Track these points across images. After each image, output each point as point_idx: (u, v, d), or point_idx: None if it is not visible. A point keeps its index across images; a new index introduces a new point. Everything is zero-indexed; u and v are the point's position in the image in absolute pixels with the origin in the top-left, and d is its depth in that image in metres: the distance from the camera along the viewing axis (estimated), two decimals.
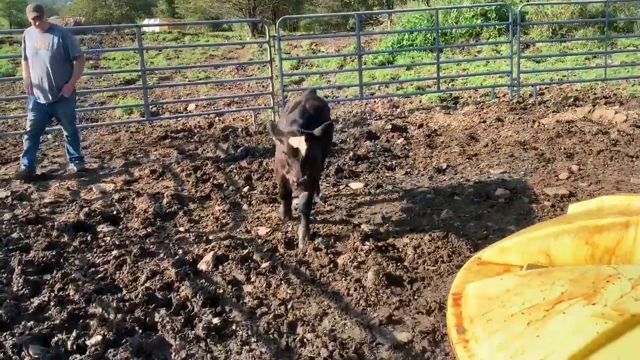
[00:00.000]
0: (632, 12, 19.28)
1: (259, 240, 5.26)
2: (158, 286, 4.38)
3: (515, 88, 11.93)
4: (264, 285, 4.39)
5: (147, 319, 3.96)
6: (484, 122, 9.85)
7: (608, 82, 12.81)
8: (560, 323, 1.79)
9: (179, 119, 11.26)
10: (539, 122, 9.51)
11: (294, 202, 5.73)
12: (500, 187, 6.35)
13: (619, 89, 12.33)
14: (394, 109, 11.56)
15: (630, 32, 18.41)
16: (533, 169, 7.10)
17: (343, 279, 4.44)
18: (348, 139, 8.92)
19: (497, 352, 1.81)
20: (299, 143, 4.50)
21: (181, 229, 5.70)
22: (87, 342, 3.67)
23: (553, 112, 10.28)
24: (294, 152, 4.51)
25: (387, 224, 5.53)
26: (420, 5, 21.92)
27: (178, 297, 4.23)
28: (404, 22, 20.20)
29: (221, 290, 4.35)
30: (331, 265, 4.68)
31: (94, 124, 10.90)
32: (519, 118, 9.90)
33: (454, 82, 13.97)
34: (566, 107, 10.56)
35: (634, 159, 7.24)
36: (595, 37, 16.63)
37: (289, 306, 4.08)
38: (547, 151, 7.79)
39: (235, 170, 7.55)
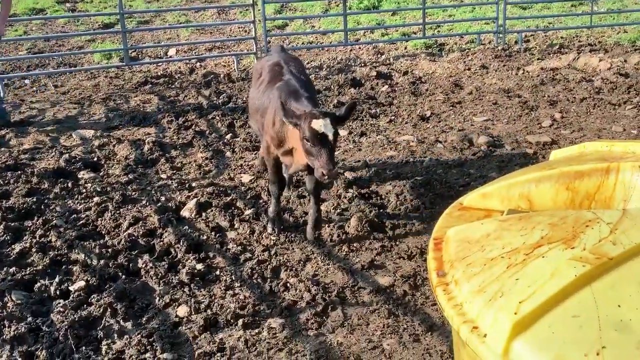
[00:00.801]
0: None
1: (243, 188, 5.26)
2: (141, 232, 4.38)
3: (500, 35, 11.80)
4: (248, 232, 4.41)
5: (131, 264, 3.98)
6: (469, 69, 9.78)
7: (593, 29, 12.72)
8: (539, 266, 1.81)
9: (160, 64, 11.01)
10: (523, 70, 9.47)
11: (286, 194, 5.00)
12: (484, 134, 6.36)
13: (604, 36, 12.26)
14: (379, 55, 11.41)
15: None
16: (516, 117, 7.10)
17: (326, 225, 4.47)
18: (332, 86, 8.82)
19: (476, 295, 1.83)
20: (326, 127, 3.66)
21: (163, 176, 5.66)
22: (71, 288, 3.70)
23: (538, 59, 10.23)
24: (320, 138, 3.66)
25: (370, 172, 5.54)
26: None
27: (161, 243, 4.24)
28: None
29: (205, 237, 4.37)
30: None
31: (72, 69, 10.63)
32: (504, 65, 9.84)
33: (440, 29, 13.77)
34: (551, 55, 10.50)
35: (616, 107, 7.28)
36: None
37: (273, 252, 4.12)
38: (531, 99, 7.79)
39: (217, 117, 7.46)
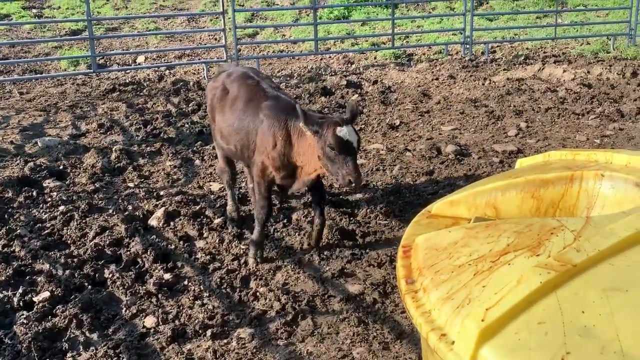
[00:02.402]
0: None
1: (212, 196, 5.22)
2: (107, 242, 4.31)
3: (467, 46, 12.00)
4: (217, 241, 4.37)
5: (97, 275, 3.91)
6: (437, 79, 9.91)
7: (558, 40, 13.04)
8: (505, 274, 1.84)
9: (128, 71, 10.89)
10: (490, 80, 9.64)
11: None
12: (451, 143, 6.44)
13: (567, 47, 12.57)
14: (349, 64, 11.49)
15: None
16: (483, 126, 7.21)
17: (297, 233, 4.46)
18: (303, 95, 8.83)
19: (444, 302, 1.85)
20: (350, 134, 3.55)
21: (130, 184, 5.59)
22: (35, 299, 3.61)
23: (504, 70, 10.42)
24: (345, 145, 3.54)
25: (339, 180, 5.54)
26: None
27: (128, 253, 4.18)
28: None
29: (173, 246, 4.31)
30: (285, 221, 4.70)
31: (38, 75, 10.44)
32: (471, 75, 10.00)
33: (409, 39, 13.94)
34: (517, 65, 10.72)
35: (580, 117, 7.45)
36: None
37: (242, 261, 4.08)
38: (497, 109, 7.92)
39: (186, 125, 7.40)
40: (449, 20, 15.30)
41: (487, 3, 17.32)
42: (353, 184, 3.59)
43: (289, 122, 3.86)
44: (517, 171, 2.76)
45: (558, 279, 1.71)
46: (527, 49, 12.53)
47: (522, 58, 11.32)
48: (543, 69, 10.24)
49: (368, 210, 4.82)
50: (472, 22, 12.00)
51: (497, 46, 12.80)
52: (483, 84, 9.42)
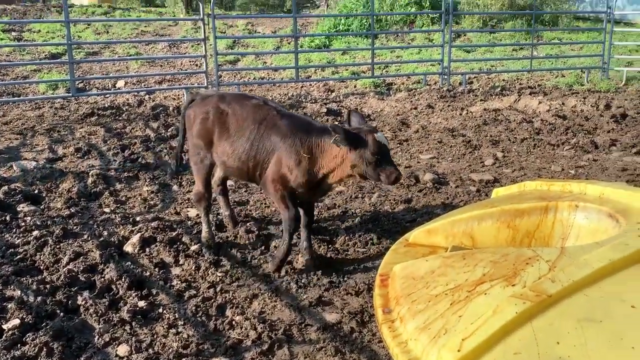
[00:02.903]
0: (558, 6, 20.11)
1: (189, 222, 5.17)
2: (81, 268, 4.22)
3: (445, 76, 12.21)
4: (193, 268, 4.31)
5: (69, 301, 3.82)
6: (416, 108, 10.04)
7: (533, 73, 13.33)
8: (481, 303, 1.84)
9: (107, 96, 10.84)
10: (467, 110, 9.79)
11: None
12: (429, 171, 6.50)
13: (543, 79, 12.84)
14: (329, 92, 11.59)
15: (555, 25, 19.18)
16: (460, 155, 7.30)
17: (275, 261, 4.42)
18: None
19: (420, 332, 1.85)
20: (385, 138, 3.90)
21: (107, 209, 5.51)
22: (4, 326, 3.51)
23: (481, 100, 10.60)
24: (385, 149, 3.85)
25: (319, 207, 5.55)
26: None
27: (102, 279, 4.10)
28: (341, 6, 20.24)
29: (148, 273, 4.25)
30: (262, 248, 4.66)
31: (16, 98, 10.34)
32: (449, 105, 10.15)
33: (388, 69, 14.14)
34: (493, 96, 10.91)
35: (555, 147, 7.58)
36: (522, 29, 17.24)
37: (219, 289, 4.03)
38: (474, 138, 8.03)
39: (165, 150, 7.36)
40: (427, 51, 15.57)
41: (465, 35, 17.69)
42: (399, 180, 3.91)
43: (310, 139, 4.04)
44: (493, 201, 2.79)
45: (533, 309, 1.72)
46: (503, 80, 12.77)
47: (499, 89, 11.54)
48: (519, 100, 10.44)
49: (346, 238, 4.81)
50: (450, 53, 12.23)
51: (475, 77, 13.04)
52: (460, 114, 9.56)
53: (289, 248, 4.18)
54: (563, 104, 10.14)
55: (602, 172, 6.52)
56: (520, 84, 12.31)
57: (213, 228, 4.81)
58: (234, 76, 13.22)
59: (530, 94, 11.04)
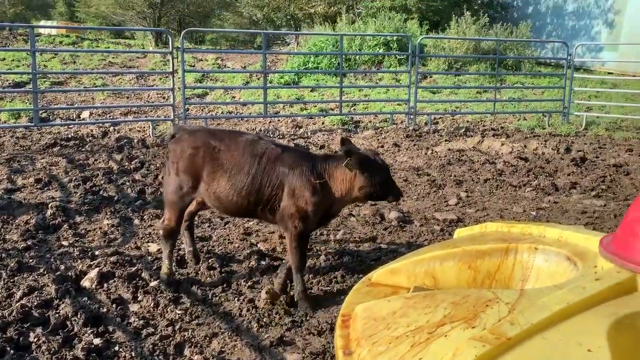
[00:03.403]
0: (520, 51, 20.78)
1: (149, 257, 5.06)
2: (35, 303, 4.08)
3: (412, 116, 12.42)
4: (152, 305, 4.21)
5: (21, 338, 3.67)
6: (382, 146, 10.16)
7: (496, 115, 13.67)
8: (441, 346, 1.83)
9: (71, 126, 10.68)
10: (432, 150, 9.94)
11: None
12: (395, 210, 6.53)
13: (505, 122, 13.17)
14: (297, 129, 11.65)
15: (518, 70, 19.79)
16: (425, 194, 7.37)
17: (236, 299, 4.35)
18: None
19: None
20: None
21: (65, 243, 5.37)
22: None
23: (446, 140, 10.79)
24: (388, 170, 4.30)
25: (283, 243, 5.50)
26: (327, 30, 22.38)
27: (57, 315, 3.96)
28: (310, 44, 20.53)
29: (105, 309, 4.12)
30: (224, 285, 4.58)
31: None
32: (414, 145, 10.30)
33: (356, 107, 14.33)
34: (458, 137, 11.12)
35: (517, 189, 7.72)
36: (486, 72, 17.73)
37: (177, 327, 3.93)
38: (439, 177, 8.14)
39: (128, 183, 7.25)
40: (394, 91, 15.86)
41: (431, 77, 18.10)
42: (401, 197, 4.43)
43: (318, 166, 4.17)
44: (455, 241, 2.81)
45: (492, 352, 1.71)
46: (467, 121, 13.06)
47: (463, 130, 11.78)
48: (482, 141, 10.66)
49: (310, 276, 4.77)
50: (416, 94, 12.48)
51: (440, 118, 13.30)
52: (426, 153, 9.70)
53: (304, 284, 4.30)
54: (525, 146, 10.40)
55: (562, 215, 6.65)
56: (483, 125, 12.60)
57: (174, 264, 4.71)
58: (202, 110, 13.20)
59: (493, 135, 11.30)
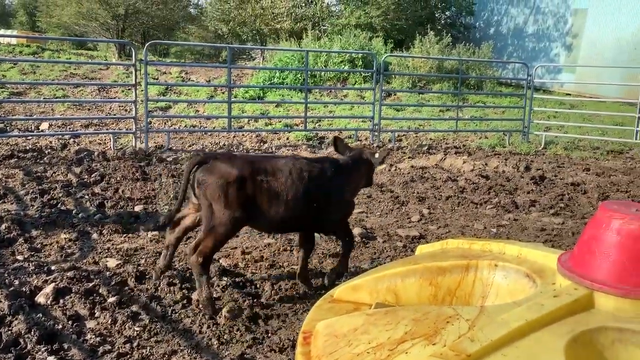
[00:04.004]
0: (482, 71, 21.25)
1: (108, 273, 4.93)
2: None
3: (376, 133, 12.53)
4: (109, 322, 4.10)
5: None
6: None
7: (459, 133, 13.90)
8: None
9: (29, 137, 10.42)
10: (395, 167, 10.03)
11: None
12: (358, 226, 6.55)
13: (467, 140, 13.41)
14: (262, 143, 11.62)
15: (479, 89, 20.23)
16: (388, 211, 7.42)
17: (196, 315, 4.27)
18: None
19: None
20: None
21: (20, 257, 5.20)
22: None
23: (409, 157, 10.91)
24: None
25: (246, 259, 5.45)
26: (293, 46, 22.49)
27: (9, 332, 3.82)
28: (276, 60, 20.59)
29: (60, 326, 4.00)
30: (185, 301, 4.49)
31: None
32: None
33: (320, 123, 14.39)
34: (421, 154, 11.26)
35: (478, 206, 7.84)
36: (449, 91, 18.07)
37: (135, 344, 3.83)
38: (402, 194, 8.21)
39: (87, 197, 7.09)
40: (359, 107, 16.00)
41: (395, 94, 18.33)
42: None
43: (349, 168, 4.81)
44: (417, 258, 2.82)
45: None
46: (430, 139, 13.24)
47: (426, 148, 11.93)
48: (445, 159, 10.82)
49: (273, 292, 4.73)
50: (380, 111, 12.61)
51: (403, 135, 13.45)
52: (389, 170, 9.78)
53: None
54: (486, 164, 10.59)
55: (522, 232, 6.77)
56: (446, 143, 12.79)
57: (133, 279, 4.61)
58: (165, 123, 13.06)
59: (455, 153, 11.48)
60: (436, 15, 28.46)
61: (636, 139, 13.00)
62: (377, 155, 5.01)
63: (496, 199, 8.20)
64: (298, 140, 12.15)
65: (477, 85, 20.57)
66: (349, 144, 5.36)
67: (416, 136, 13.50)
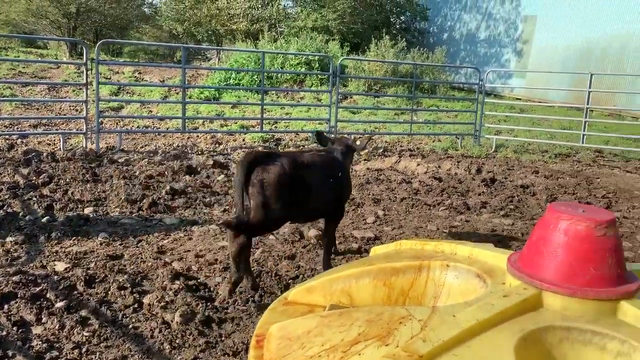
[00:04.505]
0: (436, 76, 21.61)
1: (56, 277, 4.79)
2: None
3: (332, 135, 12.57)
4: (57, 327, 3.98)
5: None
6: None
7: (413, 136, 14.09)
8: None
9: None
10: (352, 169, 10.08)
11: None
12: (314, 228, 6.55)
13: (421, 143, 13.60)
14: (217, 145, 11.50)
15: (433, 93, 20.56)
16: (344, 212, 7.43)
17: (148, 320, 4.19)
18: (166, 172, 8.63)
19: None
20: None
21: None
22: None
23: (364, 160, 10.99)
24: None
25: (199, 262, 5.37)
26: (249, 47, 22.37)
27: None
28: (232, 61, 20.44)
29: (4, 333, 3.85)
30: (136, 305, 4.40)
31: None
32: None
33: (277, 124, 14.34)
34: (376, 157, 11.36)
35: (431, 208, 7.95)
36: (404, 95, 18.30)
37: (84, 350, 3.73)
38: (358, 196, 8.25)
39: (35, 199, 6.87)
40: (315, 110, 16.02)
41: (352, 97, 18.45)
42: None
43: (345, 154, 5.60)
44: (371, 259, 2.83)
45: None
46: (386, 142, 13.37)
47: (381, 150, 12.05)
48: (399, 161, 10.95)
49: (226, 296, 4.67)
50: (336, 113, 12.66)
51: (359, 137, 13.52)
52: None
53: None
54: (439, 166, 10.76)
55: (473, 233, 6.90)
56: (401, 146, 12.94)
57: (82, 283, 4.48)
58: (117, 123, 12.78)
59: (409, 156, 11.62)
60: (391, 20, 28.80)
61: (583, 142, 13.45)
62: (358, 143, 5.70)
63: (449, 200, 8.34)
64: (254, 141, 12.08)
65: (430, 90, 20.91)
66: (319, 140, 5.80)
67: (372, 139, 13.60)
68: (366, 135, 6.17)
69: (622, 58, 20.61)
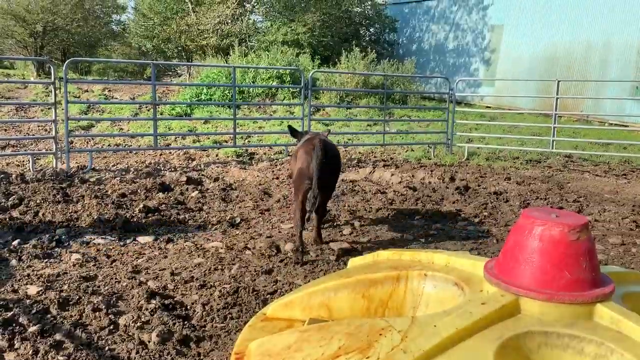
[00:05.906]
0: (406, 86, 21.85)
1: (28, 301, 4.67)
2: None
3: None
4: (31, 352, 3.87)
5: None
6: (277, 178, 10.18)
7: (386, 147, 14.18)
8: None
9: None
10: None
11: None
12: (290, 241, 6.52)
13: (395, 153, 13.70)
14: (190, 161, 11.41)
15: (404, 104, 20.78)
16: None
17: (124, 341, 4.11)
18: (139, 190, 8.52)
19: None
20: None
21: None
22: None
23: None
24: None
25: (175, 281, 5.30)
26: (220, 62, 22.34)
27: None
28: (203, 76, 20.38)
29: None
30: (111, 327, 4.31)
31: None
32: None
33: (250, 139, 14.32)
34: (350, 168, 11.39)
35: (407, 217, 7.99)
36: (375, 106, 18.45)
37: None
38: (334, 208, 8.26)
39: (4, 221, 6.71)
40: (288, 123, 16.03)
41: (324, 110, 18.52)
42: None
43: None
44: (349, 271, 2.83)
45: None
46: (359, 153, 13.44)
47: (355, 161, 12.10)
48: (373, 172, 11.00)
49: (204, 313, 4.61)
50: (309, 126, 12.68)
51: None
52: None
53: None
54: (413, 176, 10.83)
55: (449, 240, 6.95)
56: (374, 157, 13.01)
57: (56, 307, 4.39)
58: (87, 142, 12.61)
59: (383, 166, 11.69)
60: (361, 32, 29.08)
61: (552, 148, 13.70)
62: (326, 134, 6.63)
63: (424, 209, 8.39)
64: (227, 156, 12.03)
65: (402, 100, 21.12)
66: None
67: (345, 150, 13.65)
68: (327, 130, 6.71)
69: (586, 65, 21.11)
